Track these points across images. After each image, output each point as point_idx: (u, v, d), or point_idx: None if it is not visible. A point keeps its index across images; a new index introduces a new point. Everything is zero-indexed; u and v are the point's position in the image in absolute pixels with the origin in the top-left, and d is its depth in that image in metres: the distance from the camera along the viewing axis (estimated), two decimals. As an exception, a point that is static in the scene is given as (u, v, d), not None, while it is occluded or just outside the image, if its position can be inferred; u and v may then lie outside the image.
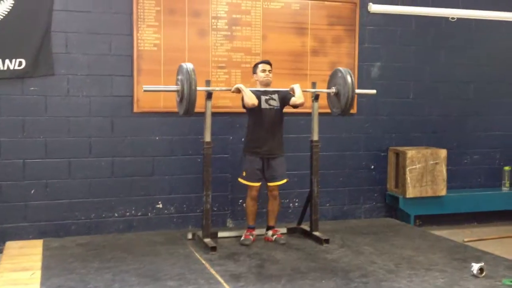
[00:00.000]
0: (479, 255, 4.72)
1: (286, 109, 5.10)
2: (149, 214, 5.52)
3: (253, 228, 5.08)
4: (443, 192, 6.06)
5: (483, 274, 4.08)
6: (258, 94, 4.91)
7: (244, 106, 4.92)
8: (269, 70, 5.03)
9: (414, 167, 5.90)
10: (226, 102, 5.65)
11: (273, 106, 4.97)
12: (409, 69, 6.28)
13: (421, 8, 6.24)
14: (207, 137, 4.88)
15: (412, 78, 6.28)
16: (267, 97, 4.97)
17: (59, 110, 5.22)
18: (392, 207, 6.23)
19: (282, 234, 5.16)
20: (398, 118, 6.29)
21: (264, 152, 4.93)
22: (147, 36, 5.40)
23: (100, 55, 5.31)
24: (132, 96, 5.40)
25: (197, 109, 5.44)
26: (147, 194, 5.50)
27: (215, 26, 5.59)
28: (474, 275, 4.09)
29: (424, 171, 5.95)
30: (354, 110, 5.99)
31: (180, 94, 4.70)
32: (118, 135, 5.40)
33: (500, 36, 6.57)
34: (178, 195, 5.59)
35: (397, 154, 6.08)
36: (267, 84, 5.02)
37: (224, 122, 5.66)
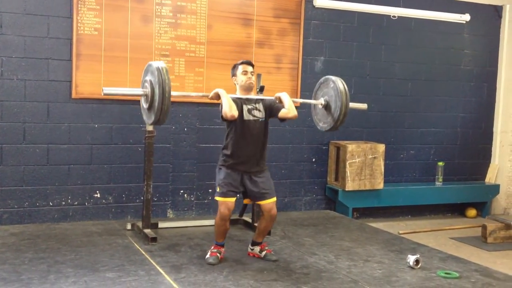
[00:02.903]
0: (414, 247, 4.88)
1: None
2: (86, 203, 5.34)
3: (222, 245, 4.28)
4: (380, 185, 6.21)
5: (418, 266, 4.21)
6: (239, 103, 4.18)
7: (222, 117, 4.11)
8: (251, 72, 4.27)
9: (353, 161, 6.01)
10: (169, 90, 5.54)
11: (257, 117, 4.21)
12: (351, 65, 6.37)
13: (364, 5, 6.35)
14: (149, 126, 4.77)
15: (353, 74, 6.38)
16: (250, 107, 4.22)
17: (-9, 93, 4.97)
18: (332, 199, 6.33)
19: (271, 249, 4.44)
20: (339, 113, 6.37)
21: (245, 169, 4.21)
22: (87, 20, 5.21)
23: (37, 38, 5.09)
24: (70, 82, 5.20)
25: (139, 98, 5.32)
26: (84, 183, 5.33)
27: (159, 13, 5.46)
28: (410, 267, 4.22)
29: (363, 165, 6.07)
30: (297, 104, 6.01)
31: (149, 100, 3.86)
32: (55, 121, 5.20)
33: (437, 35, 6.78)
34: (117, 185, 5.44)
35: (338, 148, 6.17)
36: (249, 89, 4.27)
37: (166, 111, 5.56)
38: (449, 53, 6.89)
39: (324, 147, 6.32)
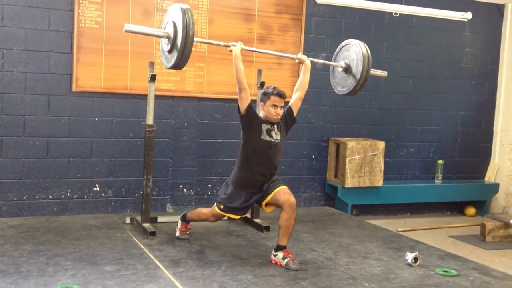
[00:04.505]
0: (413, 245, 4.88)
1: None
2: (86, 197, 5.34)
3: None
4: (380, 183, 6.20)
5: (417, 263, 4.21)
6: (259, 121, 4.16)
7: (239, 111, 4.11)
8: (281, 107, 4.14)
9: (353, 157, 6.01)
10: (169, 85, 5.54)
11: (274, 139, 4.17)
12: (352, 61, 6.35)
13: (366, 2, 6.33)
14: (150, 120, 4.77)
15: (354, 70, 6.36)
16: (268, 127, 4.17)
17: (-9, 86, 4.96)
18: (331, 196, 6.33)
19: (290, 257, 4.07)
20: (340, 109, 6.37)
21: (255, 189, 4.20)
22: (88, 13, 5.20)
23: (38, 30, 5.08)
24: (71, 75, 5.20)
25: (139, 92, 5.36)
26: (84, 177, 5.33)
27: (160, 7, 5.45)
28: (408, 264, 4.21)
29: (363, 162, 6.07)
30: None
31: (171, 42, 3.82)
32: (55, 114, 5.19)
33: (438, 33, 6.77)
34: (117, 179, 5.44)
35: (338, 145, 6.17)
36: (274, 123, 4.21)
37: (167, 106, 5.56)
38: (451, 51, 6.88)
39: (324, 144, 6.31)
